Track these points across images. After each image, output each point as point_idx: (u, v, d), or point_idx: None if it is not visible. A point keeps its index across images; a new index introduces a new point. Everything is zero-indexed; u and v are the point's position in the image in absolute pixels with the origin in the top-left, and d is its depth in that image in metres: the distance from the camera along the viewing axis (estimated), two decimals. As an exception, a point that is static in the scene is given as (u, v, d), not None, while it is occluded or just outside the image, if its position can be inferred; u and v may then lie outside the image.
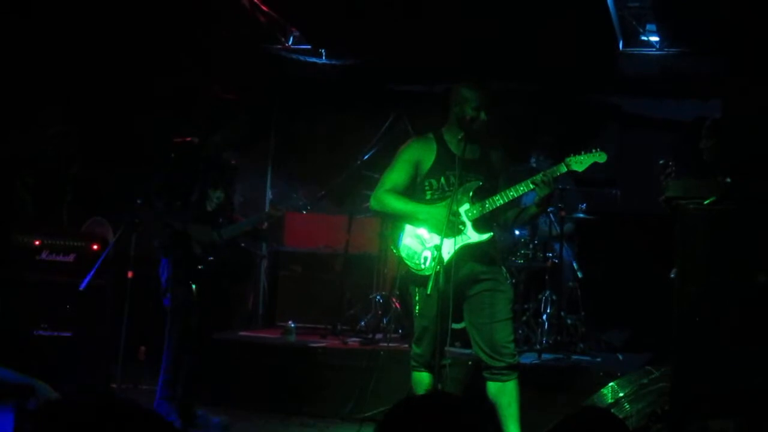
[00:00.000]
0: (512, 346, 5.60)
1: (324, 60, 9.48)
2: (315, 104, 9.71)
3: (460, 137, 5.60)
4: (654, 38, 8.66)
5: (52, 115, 8.98)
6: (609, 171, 8.71)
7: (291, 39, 9.46)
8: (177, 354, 6.45)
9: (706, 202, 4.92)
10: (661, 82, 9.04)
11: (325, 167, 9.36)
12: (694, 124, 7.80)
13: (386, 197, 5.69)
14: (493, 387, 5.57)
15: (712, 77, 8.40)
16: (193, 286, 6.37)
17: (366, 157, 8.62)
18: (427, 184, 5.64)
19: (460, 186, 5.52)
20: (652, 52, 8.76)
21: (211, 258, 6.54)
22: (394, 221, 5.86)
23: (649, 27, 8.59)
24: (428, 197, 5.63)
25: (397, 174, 5.70)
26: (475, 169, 5.60)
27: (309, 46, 9.40)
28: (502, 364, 5.52)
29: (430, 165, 5.63)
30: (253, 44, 9.14)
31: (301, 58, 9.42)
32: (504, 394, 5.53)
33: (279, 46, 9.31)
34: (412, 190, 5.69)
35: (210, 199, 6.62)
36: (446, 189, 5.60)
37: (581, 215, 8.53)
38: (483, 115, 5.55)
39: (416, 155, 5.67)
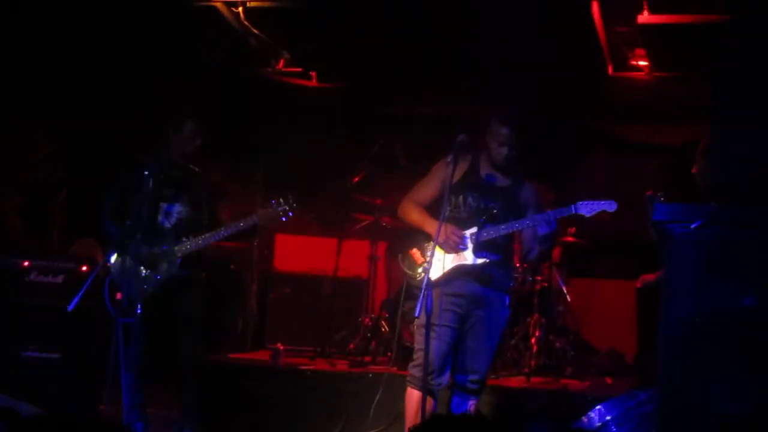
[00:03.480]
0: (485, 373, 5.88)
1: (315, 83, 9.51)
2: (305, 127, 9.71)
3: (489, 163, 5.78)
4: (643, 63, 8.68)
5: (40, 139, 8.98)
6: (598, 196, 8.78)
7: (281, 62, 9.47)
8: (126, 373, 6.31)
9: (693, 226, 4.91)
10: (651, 106, 9.07)
11: (315, 190, 9.35)
12: (684, 149, 7.82)
13: (407, 207, 5.92)
14: (455, 400, 5.82)
15: (702, 101, 8.41)
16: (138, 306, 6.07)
17: (355, 180, 8.63)
18: (449, 199, 5.70)
19: (477, 209, 5.67)
20: (642, 76, 8.78)
21: (159, 277, 6.27)
22: (410, 230, 5.95)
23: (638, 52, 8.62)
24: (448, 213, 5.67)
25: (424, 187, 5.93)
26: (496, 196, 5.73)
27: (300, 69, 9.41)
28: (469, 386, 5.76)
29: (456, 182, 5.70)
30: (244, 67, 9.15)
31: (292, 80, 9.43)
32: (463, 407, 5.78)
33: (269, 69, 9.32)
34: (438, 203, 5.75)
35: (168, 215, 6.40)
36: (462, 208, 5.73)
37: (571, 239, 8.55)
38: (506, 151, 5.68)
39: (445, 172, 5.68)
